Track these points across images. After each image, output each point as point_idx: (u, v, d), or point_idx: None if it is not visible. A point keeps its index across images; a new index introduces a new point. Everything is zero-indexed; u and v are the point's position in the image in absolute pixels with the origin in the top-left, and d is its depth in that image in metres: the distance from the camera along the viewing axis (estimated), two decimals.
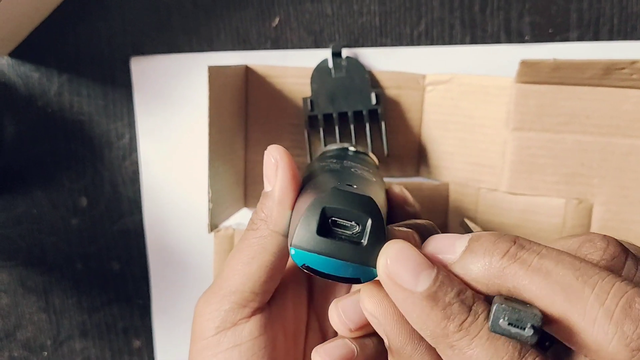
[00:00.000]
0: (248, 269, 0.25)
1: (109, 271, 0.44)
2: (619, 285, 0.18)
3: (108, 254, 0.43)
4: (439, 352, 0.20)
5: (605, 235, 0.21)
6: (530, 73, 0.35)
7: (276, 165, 0.24)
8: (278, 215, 0.24)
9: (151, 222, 0.43)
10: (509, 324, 0.19)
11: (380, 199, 0.25)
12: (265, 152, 0.25)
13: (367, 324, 0.23)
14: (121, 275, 0.44)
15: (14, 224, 0.43)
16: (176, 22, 0.41)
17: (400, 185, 0.31)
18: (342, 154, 0.32)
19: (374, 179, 0.28)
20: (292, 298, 0.28)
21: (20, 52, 0.41)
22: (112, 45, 0.41)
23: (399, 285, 0.20)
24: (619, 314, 0.18)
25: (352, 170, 0.27)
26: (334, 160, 0.29)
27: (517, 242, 0.20)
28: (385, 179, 0.40)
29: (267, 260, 0.25)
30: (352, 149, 0.33)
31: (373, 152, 0.38)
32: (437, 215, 0.40)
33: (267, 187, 0.25)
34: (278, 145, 0.25)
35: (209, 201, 0.34)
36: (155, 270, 0.43)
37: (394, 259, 0.20)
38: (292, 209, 0.24)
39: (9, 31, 0.39)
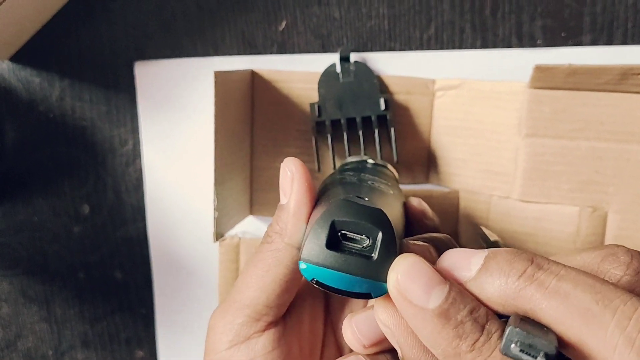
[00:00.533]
0: (262, 282, 0.25)
1: (112, 280, 0.43)
2: None
3: (111, 263, 0.43)
4: None
5: (629, 249, 0.20)
6: (545, 78, 0.34)
7: (292, 178, 0.24)
8: (293, 228, 0.24)
9: (155, 230, 0.42)
10: (520, 350, 0.18)
11: (395, 212, 0.25)
12: (282, 164, 0.25)
13: (382, 340, 0.23)
14: (124, 284, 0.43)
15: (14, 231, 0.42)
16: (181, 26, 0.40)
17: (419, 198, 0.30)
18: (360, 166, 0.32)
19: (391, 192, 0.27)
20: (309, 312, 0.28)
21: (21, 56, 0.41)
22: (115, 49, 0.40)
23: (410, 301, 0.20)
24: None
25: (369, 182, 0.27)
26: (351, 173, 0.29)
27: (535, 261, 0.19)
28: None
29: (282, 273, 0.24)
30: (370, 161, 0.33)
31: (382, 158, 0.37)
32: (448, 223, 0.39)
33: (283, 199, 0.25)
34: (294, 158, 0.25)
35: (214, 210, 0.33)
36: (159, 279, 0.43)
37: (405, 274, 0.20)
38: (307, 222, 0.24)
39: (10, 35, 0.38)
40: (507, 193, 0.37)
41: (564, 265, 0.19)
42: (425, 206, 0.30)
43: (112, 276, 0.43)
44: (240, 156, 0.38)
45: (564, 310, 0.18)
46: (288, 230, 0.24)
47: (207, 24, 0.40)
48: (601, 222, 0.36)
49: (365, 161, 0.33)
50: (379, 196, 0.25)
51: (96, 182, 0.42)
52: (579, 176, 0.36)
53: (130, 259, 0.43)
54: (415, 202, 0.30)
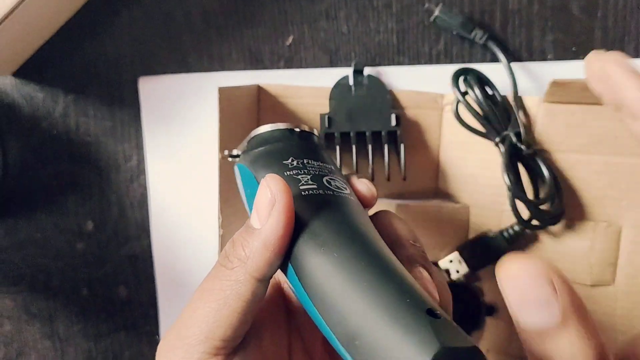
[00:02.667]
0: (219, 315, 0.22)
1: (116, 297, 0.42)
2: None
3: (115, 280, 0.42)
4: None
5: None
6: (560, 93, 0.33)
7: (272, 201, 0.21)
8: (260, 260, 0.21)
9: (159, 246, 0.41)
10: None
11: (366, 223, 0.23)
12: (263, 180, 0.22)
13: None
14: (128, 301, 0.42)
15: (17, 248, 0.42)
16: (187, 41, 0.39)
17: (364, 180, 0.27)
18: (287, 142, 0.27)
19: (348, 191, 0.25)
20: (270, 330, 0.25)
21: (24, 72, 0.40)
22: (120, 65, 0.40)
23: None
24: None
25: (328, 179, 0.25)
26: (294, 164, 0.25)
27: None
28: (403, 201, 0.38)
29: (240, 307, 0.22)
30: (297, 129, 0.28)
31: (390, 173, 0.36)
32: (457, 239, 0.38)
33: (255, 222, 0.22)
34: (279, 178, 0.22)
35: (219, 227, 0.33)
36: (163, 296, 0.42)
37: None
38: (280, 255, 0.22)
39: (13, 50, 0.38)
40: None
41: None
42: (373, 191, 0.26)
43: (116, 293, 0.42)
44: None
45: None
46: (255, 260, 0.21)
47: (213, 39, 0.39)
48: (615, 237, 0.36)
49: (291, 130, 0.28)
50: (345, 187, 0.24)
51: (100, 199, 0.41)
52: (593, 191, 0.35)
53: (135, 276, 0.42)
54: (362, 186, 0.26)
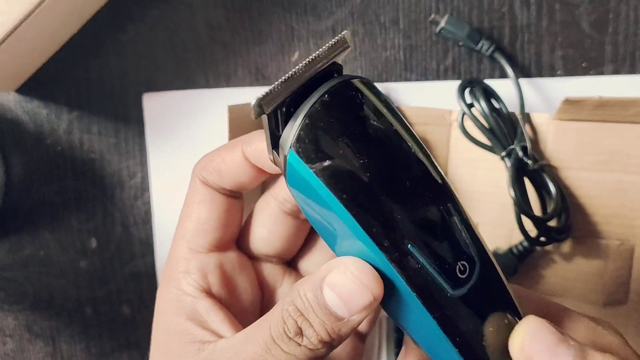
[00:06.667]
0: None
1: (119, 316, 0.42)
2: None
3: (118, 298, 0.41)
4: None
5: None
6: (572, 110, 0.33)
7: (370, 302, 0.19)
8: (341, 342, 0.21)
9: (163, 264, 0.41)
10: None
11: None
12: (354, 269, 0.19)
13: None
14: (132, 320, 0.42)
15: (20, 266, 0.41)
16: (192, 58, 0.39)
17: None
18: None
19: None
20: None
21: (28, 88, 0.40)
22: (124, 81, 0.39)
23: None
24: None
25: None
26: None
27: None
28: None
29: None
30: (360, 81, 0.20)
31: None
32: None
33: (343, 312, 0.20)
34: (371, 268, 0.19)
35: None
36: None
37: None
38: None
39: (17, 66, 0.37)
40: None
41: None
42: None
43: (119, 312, 0.42)
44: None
45: None
46: (342, 340, 0.20)
47: (219, 56, 0.39)
48: (628, 256, 0.35)
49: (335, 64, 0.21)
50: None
51: (104, 216, 0.41)
52: (604, 209, 0.35)
53: (138, 294, 0.41)
54: None
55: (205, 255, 0.24)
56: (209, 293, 0.24)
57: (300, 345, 0.20)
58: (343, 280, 0.19)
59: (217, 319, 0.23)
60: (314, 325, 0.20)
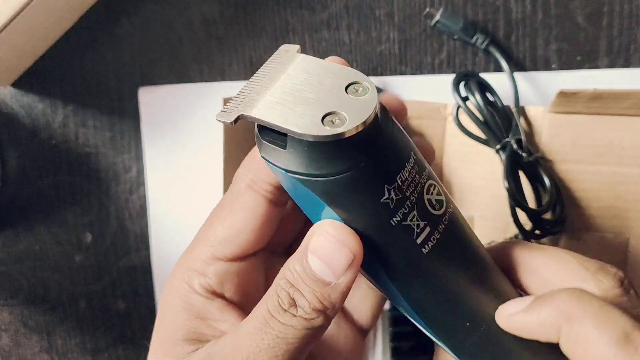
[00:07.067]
0: None
1: (114, 310, 0.42)
2: None
3: (113, 292, 0.41)
4: None
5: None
6: (567, 103, 0.33)
7: (350, 261, 0.20)
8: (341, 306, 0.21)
9: (159, 258, 0.41)
10: None
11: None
12: (331, 230, 0.20)
13: None
14: (127, 314, 0.42)
15: (15, 260, 0.41)
16: (187, 52, 0.39)
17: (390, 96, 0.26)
18: (372, 158, 0.18)
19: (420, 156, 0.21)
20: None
21: (23, 82, 0.40)
22: (120, 75, 0.40)
23: None
24: None
25: (429, 196, 0.20)
26: (393, 197, 0.19)
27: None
28: None
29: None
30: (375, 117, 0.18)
31: None
32: None
33: (329, 276, 0.20)
34: (352, 232, 0.20)
35: None
36: None
37: None
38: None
39: (12, 60, 0.37)
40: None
41: None
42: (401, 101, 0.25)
43: (114, 306, 0.42)
44: None
45: None
46: (336, 307, 0.21)
47: (214, 50, 0.39)
48: (622, 248, 0.35)
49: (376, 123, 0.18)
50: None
51: (99, 210, 0.41)
52: (599, 202, 0.35)
53: (134, 289, 0.41)
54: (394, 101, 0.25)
55: (226, 263, 0.24)
56: (222, 296, 0.24)
57: (295, 315, 0.21)
58: (322, 242, 0.20)
59: (230, 318, 0.24)
60: (305, 294, 0.20)
